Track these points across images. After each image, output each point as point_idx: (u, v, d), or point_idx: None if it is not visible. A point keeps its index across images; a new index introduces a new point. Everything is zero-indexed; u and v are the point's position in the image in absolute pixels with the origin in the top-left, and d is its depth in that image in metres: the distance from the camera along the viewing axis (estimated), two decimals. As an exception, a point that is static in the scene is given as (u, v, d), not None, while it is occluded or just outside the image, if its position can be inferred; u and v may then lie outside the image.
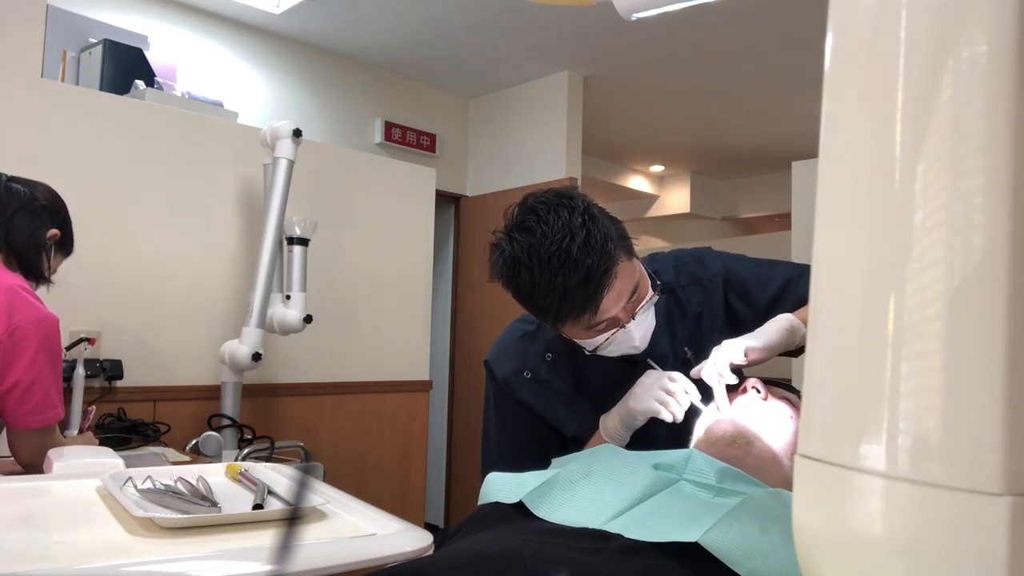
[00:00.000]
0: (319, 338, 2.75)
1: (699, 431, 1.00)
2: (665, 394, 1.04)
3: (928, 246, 0.35)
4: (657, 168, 6.40)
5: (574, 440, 1.21)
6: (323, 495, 0.79)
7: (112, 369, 2.22)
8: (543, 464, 1.22)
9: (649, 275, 1.11)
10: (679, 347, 1.18)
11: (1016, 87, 0.33)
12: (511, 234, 1.02)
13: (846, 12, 0.40)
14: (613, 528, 0.72)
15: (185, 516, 0.68)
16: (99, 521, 0.69)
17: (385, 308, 3.02)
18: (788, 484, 0.86)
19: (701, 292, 1.20)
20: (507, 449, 1.26)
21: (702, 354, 1.13)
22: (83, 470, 0.94)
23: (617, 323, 1.05)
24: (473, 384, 4.29)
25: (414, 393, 3.10)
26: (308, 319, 2.40)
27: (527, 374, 1.20)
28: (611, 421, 1.12)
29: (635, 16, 1.10)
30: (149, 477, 0.82)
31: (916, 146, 0.36)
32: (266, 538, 0.65)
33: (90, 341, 2.13)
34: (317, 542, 0.65)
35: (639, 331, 1.06)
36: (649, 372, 1.09)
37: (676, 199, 6.61)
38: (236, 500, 0.79)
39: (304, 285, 2.42)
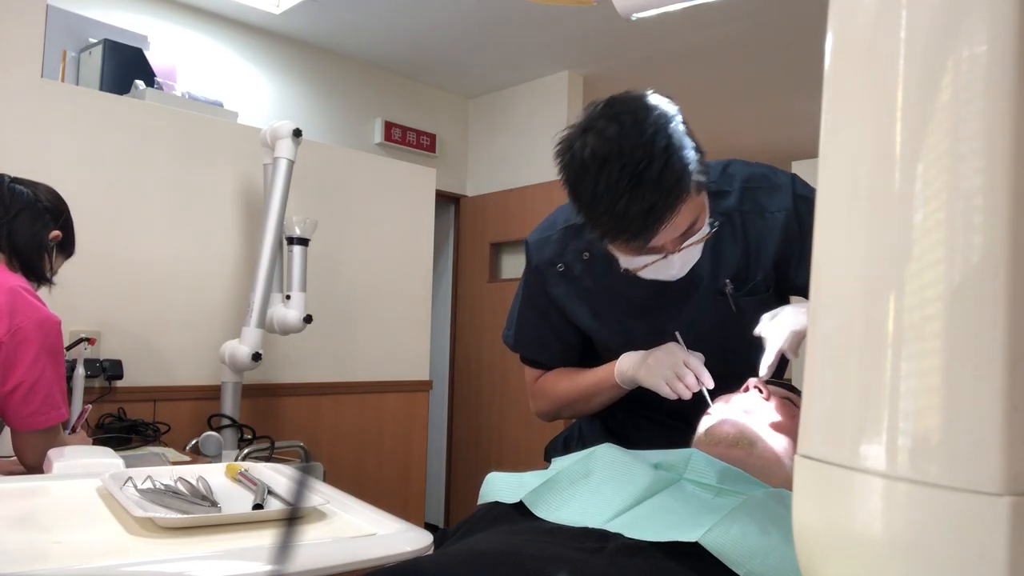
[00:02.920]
0: (319, 338, 2.75)
1: (700, 430, 0.99)
2: (676, 378, 1.04)
3: (928, 246, 0.35)
4: (657, 168, 6.40)
5: (590, 340, 1.22)
6: (323, 495, 0.79)
7: (112, 369, 2.21)
8: (554, 348, 1.26)
9: (709, 201, 1.07)
10: (721, 276, 1.12)
11: (1016, 87, 0.33)
12: (585, 135, 0.93)
13: (846, 12, 0.40)
14: (613, 528, 0.72)
15: (185, 516, 0.68)
16: (99, 521, 0.70)
17: (385, 308, 3.02)
18: (790, 484, 0.87)
19: (760, 223, 1.13)
20: (525, 325, 1.28)
21: (741, 289, 1.13)
22: (83, 470, 0.94)
23: (662, 251, 1.00)
24: (473, 384, 4.29)
25: (414, 393, 3.10)
26: (308, 319, 2.40)
27: (560, 267, 1.18)
28: (627, 366, 1.12)
29: (635, 16, 1.10)
30: (149, 477, 0.82)
31: (916, 146, 0.36)
32: (266, 538, 0.65)
33: (90, 341, 2.13)
34: (317, 542, 0.65)
35: (680, 261, 1.03)
36: (670, 346, 1.08)
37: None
38: (236, 500, 0.79)
39: (304, 285, 2.42)
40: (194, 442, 2.28)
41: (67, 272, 1.65)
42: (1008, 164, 0.33)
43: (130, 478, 0.82)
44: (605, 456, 0.88)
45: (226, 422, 2.31)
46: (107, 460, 1.00)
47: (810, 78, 3.91)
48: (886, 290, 0.36)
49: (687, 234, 1.00)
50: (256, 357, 2.27)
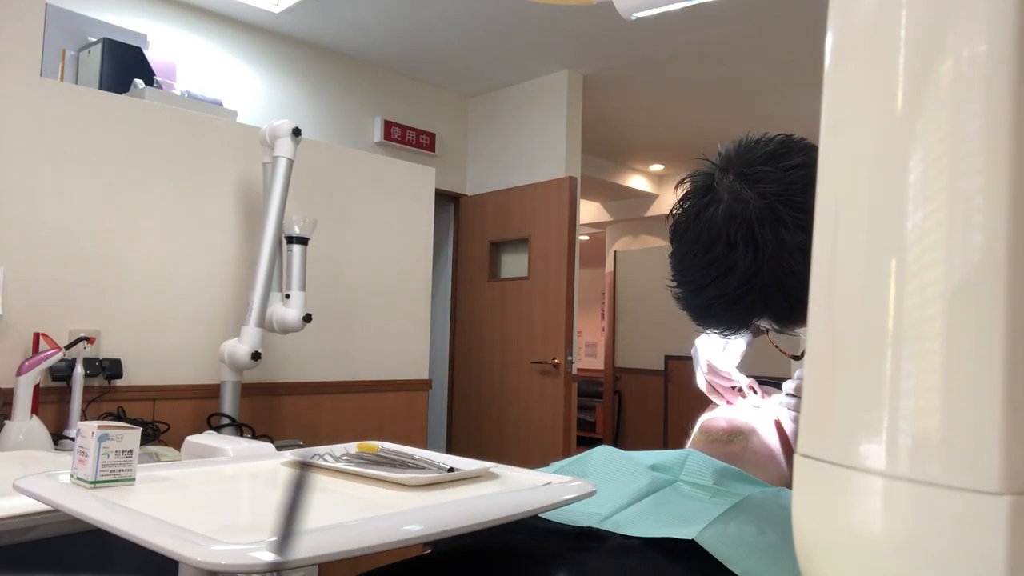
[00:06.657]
0: (319, 337, 2.75)
1: (695, 429, 1.00)
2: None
3: (928, 246, 0.35)
4: (657, 167, 6.40)
5: None
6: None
7: (111, 368, 2.21)
8: None
9: None
10: None
11: (1016, 87, 0.33)
12: None
13: (846, 12, 0.40)
14: (608, 527, 0.72)
15: (428, 475, 0.80)
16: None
17: (385, 307, 3.02)
18: (785, 482, 0.87)
19: None
20: None
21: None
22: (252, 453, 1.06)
23: None
24: (472, 383, 4.29)
25: (414, 392, 3.10)
26: (308, 318, 2.40)
27: None
28: None
29: (635, 16, 1.10)
30: (328, 454, 0.97)
31: (916, 146, 0.36)
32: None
33: (90, 340, 2.12)
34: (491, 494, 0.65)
35: None
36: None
37: (676, 198, 6.60)
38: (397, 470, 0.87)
39: (304, 284, 2.42)
40: (194, 441, 2.28)
41: (67, 271, 1.65)
42: (1008, 164, 0.33)
43: (317, 454, 0.94)
44: (601, 457, 0.88)
45: (226, 421, 2.31)
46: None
47: (810, 78, 3.92)
48: (886, 290, 0.36)
49: None
50: (256, 356, 2.27)
